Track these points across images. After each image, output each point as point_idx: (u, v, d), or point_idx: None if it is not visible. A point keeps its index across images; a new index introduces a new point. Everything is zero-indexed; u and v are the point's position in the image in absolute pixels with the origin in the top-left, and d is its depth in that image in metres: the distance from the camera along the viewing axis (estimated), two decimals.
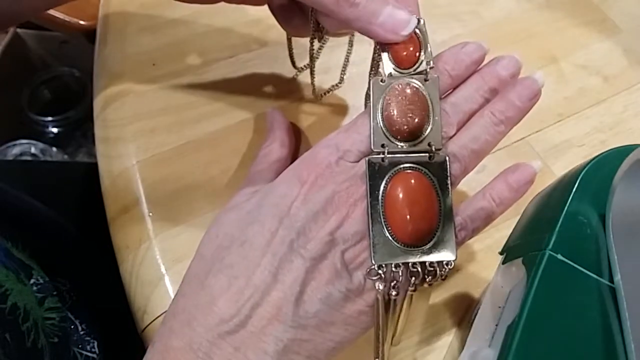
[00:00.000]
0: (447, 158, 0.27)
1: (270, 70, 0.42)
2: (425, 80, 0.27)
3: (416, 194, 0.26)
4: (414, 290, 0.26)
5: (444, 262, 0.26)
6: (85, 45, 0.74)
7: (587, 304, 0.21)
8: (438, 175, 0.26)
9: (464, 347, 0.27)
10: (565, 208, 0.23)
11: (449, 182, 0.26)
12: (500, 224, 0.35)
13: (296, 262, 0.25)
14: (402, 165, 0.26)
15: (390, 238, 0.26)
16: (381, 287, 0.25)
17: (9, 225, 0.40)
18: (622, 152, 0.24)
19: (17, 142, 0.98)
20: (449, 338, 0.32)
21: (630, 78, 0.43)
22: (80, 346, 0.39)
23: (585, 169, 0.23)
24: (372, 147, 0.26)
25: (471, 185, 0.34)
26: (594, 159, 0.24)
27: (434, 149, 0.26)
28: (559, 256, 0.22)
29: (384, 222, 0.26)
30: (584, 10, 0.46)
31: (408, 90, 0.27)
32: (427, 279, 0.26)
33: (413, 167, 0.26)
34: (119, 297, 0.35)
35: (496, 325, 0.27)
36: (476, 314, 0.29)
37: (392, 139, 0.27)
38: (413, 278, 0.26)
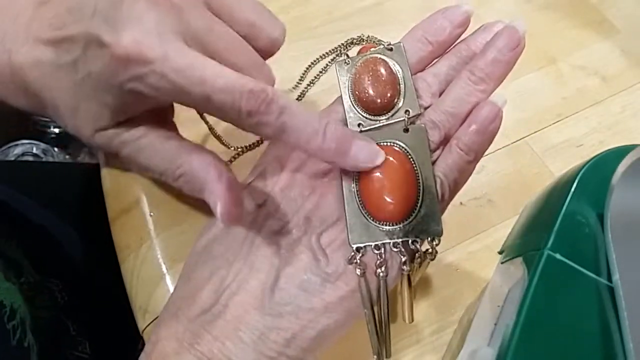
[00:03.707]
0: (424, 126, 0.25)
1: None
2: (390, 49, 0.26)
3: (391, 169, 0.25)
4: (408, 270, 0.25)
5: (429, 238, 0.25)
6: None
7: (586, 304, 0.21)
8: (416, 146, 0.25)
9: (463, 346, 0.27)
10: (564, 208, 0.23)
11: (428, 152, 0.25)
12: (499, 223, 0.35)
13: (272, 248, 0.25)
14: (376, 141, 0.25)
15: (367, 218, 0.25)
16: (358, 271, 0.24)
17: (3, 223, 0.40)
18: (620, 152, 0.24)
19: (19, 142, 0.98)
20: (448, 337, 0.32)
21: (628, 78, 0.43)
22: (71, 347, 0.39)
23: (584, 168, 0.23)
24: (348, 126, 0.26)
25: (471, 186, 0.34)
26: (592, 159, 0.24)
27: (408, 117, 0.25)
28: (558, 256, 0.22)
29: (359, 201, 0.25)
30: (582, 11, 0.46)
31: (372, 64, 0.26)
32: (417, 257, 0.25)
33: (388, 141, 0.25)
34: (112, 297, 0.34)
35: (495, 324, 0.27)
36: (475, 313, 0.29)
37: (366, 115, 0.26)
38: (401, 257, 0.25)
